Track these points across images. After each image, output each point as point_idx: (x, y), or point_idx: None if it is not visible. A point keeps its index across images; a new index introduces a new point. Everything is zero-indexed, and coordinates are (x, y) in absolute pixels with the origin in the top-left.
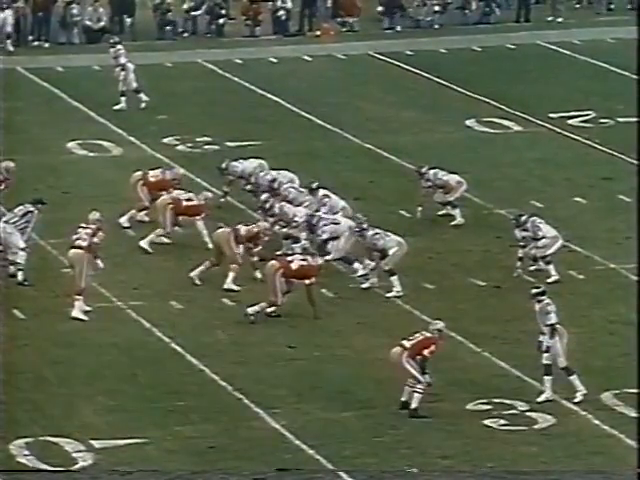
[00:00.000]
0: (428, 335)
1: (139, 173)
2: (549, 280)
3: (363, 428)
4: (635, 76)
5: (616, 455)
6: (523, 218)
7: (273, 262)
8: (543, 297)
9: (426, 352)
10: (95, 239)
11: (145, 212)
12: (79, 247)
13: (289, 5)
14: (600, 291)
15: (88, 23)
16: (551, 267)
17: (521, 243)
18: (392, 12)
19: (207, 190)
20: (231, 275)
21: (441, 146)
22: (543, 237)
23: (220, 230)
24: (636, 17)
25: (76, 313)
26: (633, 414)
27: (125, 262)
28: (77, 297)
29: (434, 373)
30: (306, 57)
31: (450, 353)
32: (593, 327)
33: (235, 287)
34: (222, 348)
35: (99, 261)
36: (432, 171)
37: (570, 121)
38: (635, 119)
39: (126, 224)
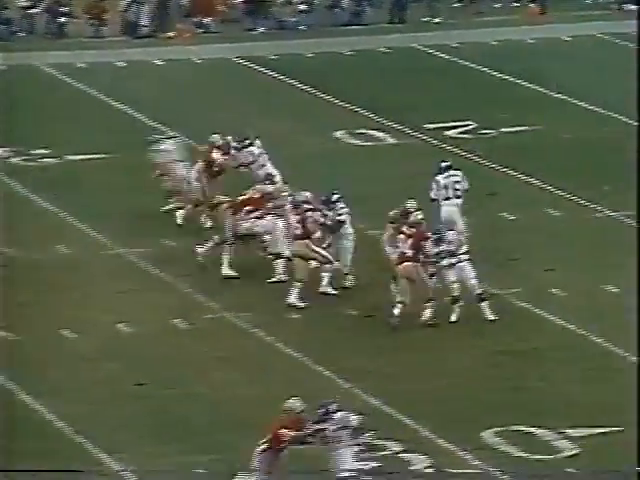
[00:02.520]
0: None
1: None
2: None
3: (223, 475)
4: (522, 82)
5: None
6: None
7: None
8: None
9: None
10: None
11: None
12: None
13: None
14: (483, 319)
15: None
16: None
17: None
18: (254, 12)
19: None
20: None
21: (308, 159)
22: None
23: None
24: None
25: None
26: (517, 453)
27: None
28: None
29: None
30: (158, 61)
31: (317, 389)
32: (477, 359)
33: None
34: (61, 385)
35: None
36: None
37: (448, 132)
38: (518, 128)
39: None
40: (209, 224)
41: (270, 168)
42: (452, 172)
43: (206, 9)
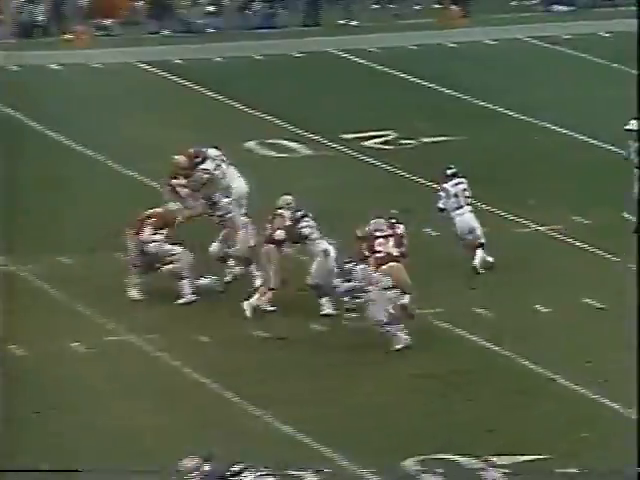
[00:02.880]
0: None
1: None
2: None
3: None
4: (444, 88)
5: None
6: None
7: None
8: None
9: None
10: None
11: None
12: None
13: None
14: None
15: None
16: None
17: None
18: (158, 14)
19: None
20: None
21: None
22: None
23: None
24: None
25: None
26: None
27: None
28: None
29: (209, 441)
30: (54, 65)
31: (225, 417)
32: (395, 383)
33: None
34: None
35: None
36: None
37: (366, 142)
38: (441, 138)
39: None
40: None
41: (230, 179)
42: (459, 179)
43: (106, 10)
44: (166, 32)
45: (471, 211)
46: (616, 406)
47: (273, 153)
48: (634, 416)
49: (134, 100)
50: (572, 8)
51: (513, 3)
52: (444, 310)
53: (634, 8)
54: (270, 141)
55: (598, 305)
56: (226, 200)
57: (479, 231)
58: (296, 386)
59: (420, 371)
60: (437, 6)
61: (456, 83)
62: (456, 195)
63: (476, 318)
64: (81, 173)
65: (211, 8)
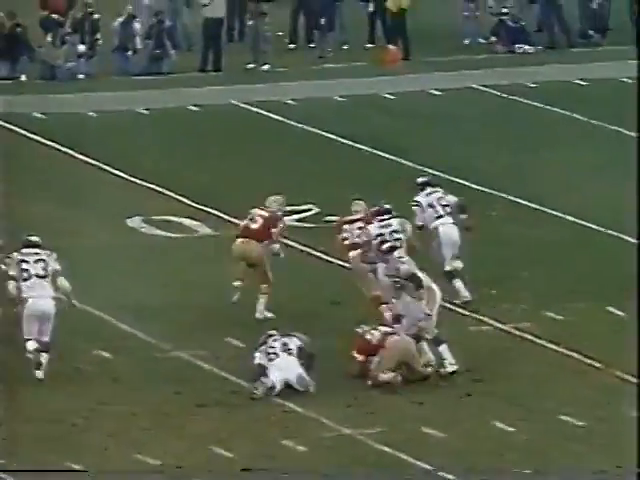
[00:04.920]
0: None
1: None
2: None
3: None
4: (379, 151)
5: None
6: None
7: None
8: None
9: None
10: None
11: None
12: None
13: None
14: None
15: None
16: None
17: None
18: (15, 54)
19: None
20: None
21: (97, 256)
22: None
23: None
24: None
25: None
26: None
27: None
28: None
29: None
30: None
31: None
32: None
33: None
34: None
35: None
36: None
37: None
38: None
39: None
40: None
41: None
42: (431, 189)
43: None
44: (23, 77)
45: (454, 223)
46: None
47: (164, 232)
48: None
49: None
50: (540, 48)
51: (466, 42)
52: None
53: (622, 47)
54: (159, 217)
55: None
56: None
57: (458, 250)
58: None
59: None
60: (370, 45)
61: (392, 144)
62: (431, 205)
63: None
64: None
65: (82, 48)
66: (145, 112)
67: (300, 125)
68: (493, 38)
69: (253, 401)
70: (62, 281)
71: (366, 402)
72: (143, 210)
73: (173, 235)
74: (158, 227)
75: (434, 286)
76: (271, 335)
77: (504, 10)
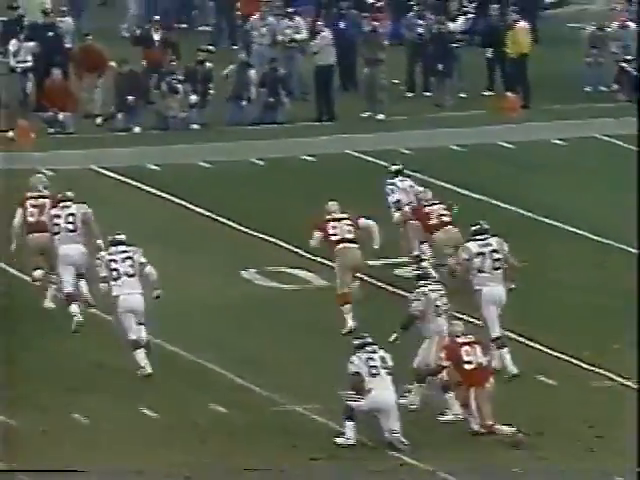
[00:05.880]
0: None
1: None
2: None
3: None
4: (499, 202)
5: None
6: None
7: None
8: None
9: None
10: None
11: None
12: None
13: None
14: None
15: None
16: None
17: None
18: (129, 104)
19: None
20: None
21: (212, 310)
22: None
23: None
24: None
25: None
26: None
27: None
28: None
29: None
30: None
31: None
32: None
33: None
34: None
35: None
36: None
37: (398, 270)
38: None
39: None
40: None
41: None
42: (402, 177)
43: (61, 99)
44: (137, 130)
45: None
46: None
47: (278, 284)
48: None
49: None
50: None
51: (587, 89)
52: None
53: None
54: (273, 269)
55: None
56: None
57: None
58: None
59: None
60: (488, 93)
61: (511, 193)
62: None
63: None
64: None
65: (194, 98)
66: (259, 162)
67: (416, 174)
68: (615, 86)
69: (367, 454)
70: (150, 270)
71: (489, 455)
72: (257, 261)
73: (287, 287)
74: (272, 279)
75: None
76: (369, 342)
77: (628, 57)
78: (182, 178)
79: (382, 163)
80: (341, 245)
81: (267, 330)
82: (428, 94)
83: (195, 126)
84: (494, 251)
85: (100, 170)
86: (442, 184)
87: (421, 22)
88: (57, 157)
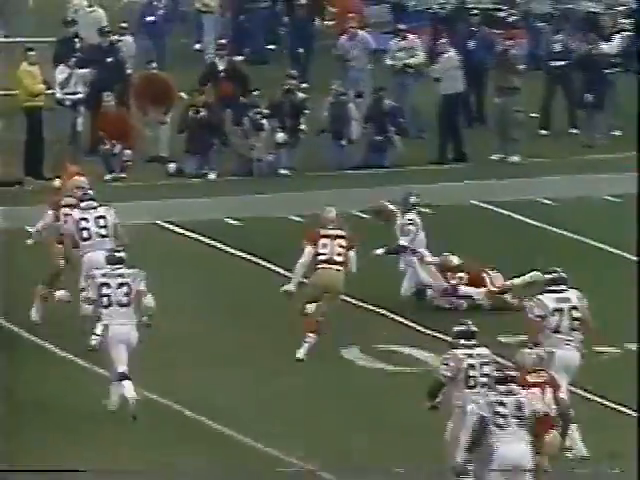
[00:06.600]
0: None
1: None
2: None
3: None
4: None
5: None
6: None
7: None
8: None
9: None
10: None
11: None
12: None
13: None
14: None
15: None
16: None
17: None
18: (205, 145)
19: None
20: None
21: (307, 393)
22: None
23: None
24: None
25: None
26: None
27: None
28: None
29: None
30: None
31: None
32: None
33: None
34: None
35: None
36: None
37: None
38: None
39: None
40: None
41: None
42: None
43: (117, 129)
44: (212, 176)
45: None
46: None
47: (385, 365)
48: None
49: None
50: None
51: None
52: None
53: None
54: (381, 347)
55: None
56: None
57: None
58: None
59: None
60: None
61: None
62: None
63: None
64: None
65: (282, 136)
66: (361, 214)
67: (560, 231)
68: None
69: None
70: (149, 300)
71: None
72: (362, 338)
73: (398, 369)
74: (379, 359)
75: None
76: (484, 354)
77: None
78: (268, 234)
79: (517, 217)
80: (322, 266)
81: (374, 421)
82: (574, 131)
83: (283, 171)
84: (573, 308)
85: (161, 223)
86: (592, 242)
87: (565, 40)
88: (116, 209)
